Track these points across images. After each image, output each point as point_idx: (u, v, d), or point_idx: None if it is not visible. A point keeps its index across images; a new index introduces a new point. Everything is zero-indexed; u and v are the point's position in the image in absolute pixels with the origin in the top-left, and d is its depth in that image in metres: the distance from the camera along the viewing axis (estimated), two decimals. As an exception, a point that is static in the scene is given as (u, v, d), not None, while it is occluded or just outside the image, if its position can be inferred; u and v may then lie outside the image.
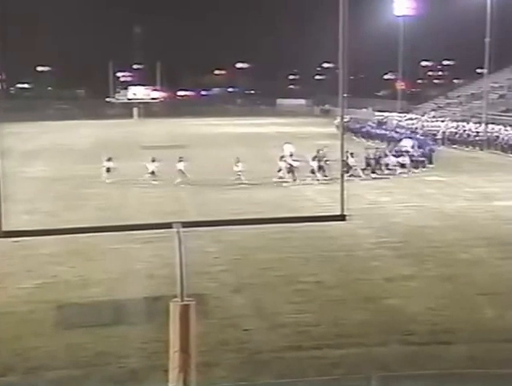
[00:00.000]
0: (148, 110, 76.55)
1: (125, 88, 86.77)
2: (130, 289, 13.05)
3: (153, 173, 26.91)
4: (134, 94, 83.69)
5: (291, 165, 27.28)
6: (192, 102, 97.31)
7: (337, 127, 57.12)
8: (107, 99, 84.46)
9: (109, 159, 27.58)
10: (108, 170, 27.31)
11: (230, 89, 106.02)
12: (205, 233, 16.21)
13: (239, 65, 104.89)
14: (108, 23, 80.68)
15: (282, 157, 27.95)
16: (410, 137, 37.18)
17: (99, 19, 79.26)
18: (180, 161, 27.04)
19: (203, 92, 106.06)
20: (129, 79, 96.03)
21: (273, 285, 13.23)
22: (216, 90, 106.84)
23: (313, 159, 27.70)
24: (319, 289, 13.06)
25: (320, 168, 27.14)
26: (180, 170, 26.70)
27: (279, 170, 27.13)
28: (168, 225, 9.41)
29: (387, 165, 29.10)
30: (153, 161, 27.34)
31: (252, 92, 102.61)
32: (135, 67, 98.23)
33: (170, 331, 7.53)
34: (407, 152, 30.95)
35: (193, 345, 7.46)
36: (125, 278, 13.80)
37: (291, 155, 29.58)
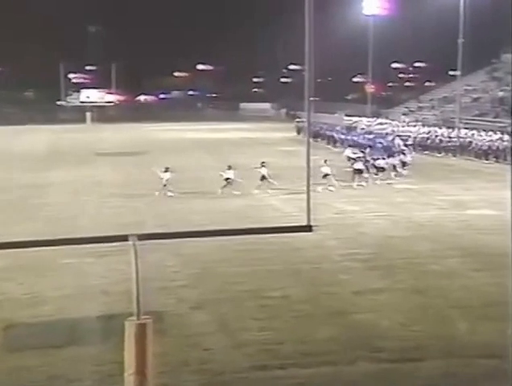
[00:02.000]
0: (103, 114, 75.98)
1: (78, 91, 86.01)
2: (83, 307, 12.93)
3: None
4: (88, 97, 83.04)
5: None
6: (151, 106, 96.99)
7: (297, 129, 58.10)
8: (58, 102, 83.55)
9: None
10: None
11: (191, 92, 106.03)
12: (164, 246, 16.12)
13: (200, 67, 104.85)
14: (59, 21, 79.79)
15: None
16: (380, 142, 37.89)
17: (49, 16, 78.22)
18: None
19: (162, 96, 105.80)
20: (81, 81, 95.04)
21: (237, 301, 13.26)
22: (176, 93, 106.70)
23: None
24: (285, 303, 13.14)
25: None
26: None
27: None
28: (124, 238, 9.40)
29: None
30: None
31: (214, 95, 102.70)
32: (89, 68, 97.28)
33: (125, 352, 7.50)
34: (365, 159, 31.43)
35: (150, 366, 7.44)
36: (78, 295, 13.68)
37: None
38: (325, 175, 27.09)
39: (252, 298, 13.38)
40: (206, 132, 61.72)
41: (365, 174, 29.10)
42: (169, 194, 25.69)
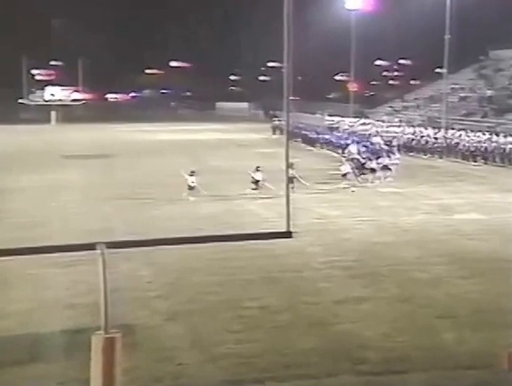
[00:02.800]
0: (69, 114, 75.42)
1: (42, 88, 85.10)
2: (47, 321, 12.84)
3: None
4: (52, 95, 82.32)
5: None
6: (121, 105, 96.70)
7: (273, 128, 58.46)
8: (20, 100, 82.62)
9: None
10: None
11: (164, 91, 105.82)
12: (136, 254, 16.13)
13: (174, 64, 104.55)
14: (22, 12, 78.88)
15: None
16: (358, 142, 38.29)
17: (10, 7, 77.13)
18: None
19: (133, 94, 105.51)
20: (46, 78, 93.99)
21: (212, 312, 13.26)
22: (147, 92, 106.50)
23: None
24: (263, 314, 13.17)
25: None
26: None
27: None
28: (92, 246, 9.37)
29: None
30: None
31: (188, 94, 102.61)
32: (53, 63, 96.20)
33: (91, 368, 7.47)
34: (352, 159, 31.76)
35: (118, 383, 7.43)
36: (42, 308, 13.58)
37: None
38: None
39: (228, 309, 13.39)
40: (180, 133, 61.63)
41: (353, 177, 29.41)
42: (191, 198, 25.69)
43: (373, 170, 30.30)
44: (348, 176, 29.22)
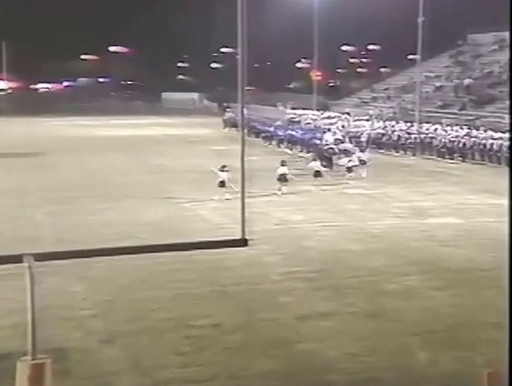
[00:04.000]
0: (-8, 106, 74.55)
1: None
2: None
3: None
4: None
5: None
6: (53, 96, 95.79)
7: (224, 122, 58.81)
8: None
9: None
10: None
11: (102, 80, 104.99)
12: (69, 267, 16.01)
13: (113, 49, 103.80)
14: None
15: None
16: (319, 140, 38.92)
17: None
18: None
19: (66, 83, 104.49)
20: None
21: (156, 332, 13.22)
22: (83, 80, 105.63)
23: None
24: (215, 333, 13.18)
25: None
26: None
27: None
28: (18, 259, 9.29)
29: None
30: None
31: (130, 83, 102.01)
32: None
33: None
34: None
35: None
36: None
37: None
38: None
39: (175, 328, 13.36)
40: (121, 128, 61.33)
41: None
42: (226, 196, 25.87)
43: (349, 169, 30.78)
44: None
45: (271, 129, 49.03)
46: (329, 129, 40.70)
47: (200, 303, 14.90)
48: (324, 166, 31.10)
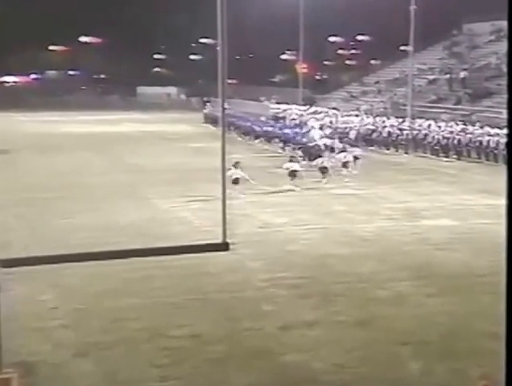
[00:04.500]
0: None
1: None
2: None
3: None
4: None
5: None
6: (19, 89, 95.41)
7: (204, 117, 59.08)
8: None
9: None
10: None
11: (72, 72, 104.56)
12: (38, 274, 16.01)
13: (84, 39, 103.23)
14: None
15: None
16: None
17: None
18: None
19: (33, 76, 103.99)
20: None
21: (132, 343, 13.23)
22: (52, 73, 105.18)
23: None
24: (194, 344, 13.21)
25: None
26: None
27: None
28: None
29: None
30: None
31: (102, 76, 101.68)
32: None
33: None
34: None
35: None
36: None
37: None
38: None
39: (151, 339, 13.38)
40: (93, 124, 61.26)
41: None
42: (241, 195, 26.27)
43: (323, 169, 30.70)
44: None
45: (250, 124, 49.34)
46: (313, 127, 40.92)
47: (179, 312, 14.92)
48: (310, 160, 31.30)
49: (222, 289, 16.45)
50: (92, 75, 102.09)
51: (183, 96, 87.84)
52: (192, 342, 13.30)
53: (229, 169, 27.30)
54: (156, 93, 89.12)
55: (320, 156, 32.43)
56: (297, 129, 43.56)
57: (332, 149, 35.55)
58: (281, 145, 42.62)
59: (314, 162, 31.71)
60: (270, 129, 46.97)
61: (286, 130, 44.12)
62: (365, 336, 13.63)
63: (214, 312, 14.99)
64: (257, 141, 47.14)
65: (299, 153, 36.42)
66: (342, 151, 33.46)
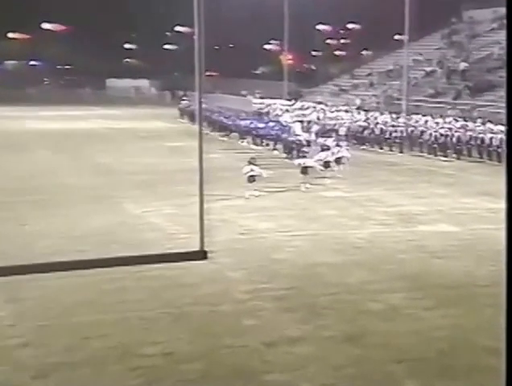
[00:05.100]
0: None
1: None
2: None
3: None
4: None
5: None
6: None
7: (180, 112, 59.26)
8: None
9: None
10: None
11: (34, 63, 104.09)
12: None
13: (47, 26, 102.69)
14: None
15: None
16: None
17: None
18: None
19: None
20: None
21: (99, 363, 13.15)
22: (11, 63, 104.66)
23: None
24: (168, 363, 13.16)
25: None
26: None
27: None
28: None
29: None
30: None
31: (67, 67, 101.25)
32: None
33: None
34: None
35: None
36: None
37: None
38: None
39: (121, 358, 13.31)
40: (58, 120, 61.10)
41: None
42: (256, 193, 26.88)
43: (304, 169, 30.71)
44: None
45: (226, 120, 49.71)
46: (286, 121, 41.84)
47: (151, 328, 14.85)
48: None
49: (200, 301, 16.39)
50: (56, 66, 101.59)
51: (153, 90, 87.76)
52: (165, 361, 13.25)
53: (246, 165, 27.62)
54: (127, 86, 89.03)
55: (302, 151, 32.48)
56: (272, 124, 44.36)
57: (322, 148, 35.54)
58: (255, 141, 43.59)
59: (296, 162, 31.69)
60: (242, 123, 47.89)
61: (261, 124, 44.93)
62: (356, 353, 13.61)
63: (191, 327, 14.94)
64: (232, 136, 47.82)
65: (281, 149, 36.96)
66: (325, 149, 33.25)
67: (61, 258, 18.02)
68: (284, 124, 45.08)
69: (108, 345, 13.93)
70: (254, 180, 27.37)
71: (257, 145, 44.17)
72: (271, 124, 45.29)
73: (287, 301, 16.34)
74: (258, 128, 44.68)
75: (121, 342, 14.08)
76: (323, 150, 33.28)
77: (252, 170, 27.38)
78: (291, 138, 36.15)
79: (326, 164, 31.88)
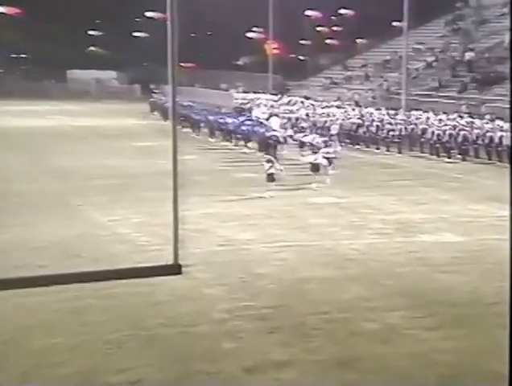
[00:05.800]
0: None
1: None
2: None
3: None
4: None
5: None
6: None
7: (150, 106, 59.60)
8: None
9: None
10: None
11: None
12: None
13: (0, 9, 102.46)
14: None
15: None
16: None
17: None
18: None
19: None
20: None
21: (57, 393, 13.11)
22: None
23: None
24: (136, 393, 13.13)
25: None
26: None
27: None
28: None
29: None
30: None
31: (24, 56, 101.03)
32: None
33: None
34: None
35: None
36: None
37: None
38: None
39: (82, 387, 13.27)
40: (11, 116, 60.87)
41: None
42: (270, 194, 27.74)
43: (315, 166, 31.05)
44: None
45: (195, 116, 51.42)
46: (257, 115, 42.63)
47: (117, 352, 14.77)
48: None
49: (173, 322, 16.34)
50: (10, 55, 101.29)
51: (120, 83, 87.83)
52: (132, 390, 13.21)
53: (265, 162, 27.75)
54: (91, 78, 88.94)
55: (313, 146, 32.63)
56: (242, 118, 45.19)
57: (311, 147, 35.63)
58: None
59: (306, 159, 31.91)
60: (212, 118, 49.51)
61: (230, 120, 45.77)
62: (349, 380, 13.60)
63: (162, 352, 14.87)
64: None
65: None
66: (314, 150, 33.23)
67: (17, 274, 17.95)
68: (254, 118, 46.38)
69: (67, 372, 13.81)
70: (274, 179, 27.26)
71: (228, 141, 45.86)
72: (241, 118, 46.49)
73: (272, 321, 16.28)
74: (228, 123, 45.47)
75: (83, 369, 13.98)
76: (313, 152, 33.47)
77: (271, 167, 27.30)
78: (267, 134, 36.16)
79: (315, 167, 31.92)
